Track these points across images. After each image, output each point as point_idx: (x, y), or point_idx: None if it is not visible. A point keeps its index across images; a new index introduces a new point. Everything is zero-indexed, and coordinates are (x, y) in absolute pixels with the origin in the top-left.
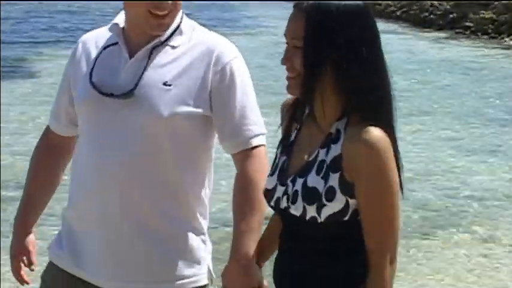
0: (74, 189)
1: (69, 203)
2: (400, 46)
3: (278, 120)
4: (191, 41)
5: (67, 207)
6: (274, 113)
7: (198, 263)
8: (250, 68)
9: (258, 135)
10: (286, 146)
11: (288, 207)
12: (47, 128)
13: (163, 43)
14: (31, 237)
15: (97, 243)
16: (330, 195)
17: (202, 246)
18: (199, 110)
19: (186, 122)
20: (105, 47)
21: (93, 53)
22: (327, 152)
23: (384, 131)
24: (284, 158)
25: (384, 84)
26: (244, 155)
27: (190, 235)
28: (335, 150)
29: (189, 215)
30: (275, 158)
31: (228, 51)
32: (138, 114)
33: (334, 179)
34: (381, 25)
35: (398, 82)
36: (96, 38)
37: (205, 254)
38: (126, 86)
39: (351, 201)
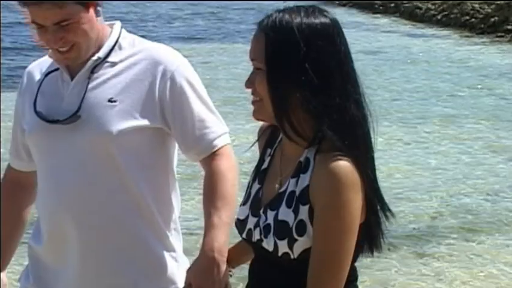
0: (38, 220)
1: (32, 233)
2: (440, 50)
3: None
4: (134, 56)
5: (31, 238)
6: None
7: (172, 282)
8: None
9: (219, 136)
10: (258, 173)
11: (260, 240)
12: (8, 166)
13: (103, 60)
14: (2, 278)
15: (61, 273)
16: (301, 229)
17: (173, 264)
18: (148, 123)
19: (136, 136)
20: (46, 74)
21: (37, 82)
22: (297, 183)
23: (354, 161)
24: (257, 186)
25: (354, 105)
26: (211, 157)
27: (160, 253)
28: (304, 180)
29: (155, 233)
30: (248, 186)
31: (173, 59)
32: (86, 136)
33: (304, 212)
34: (421, 29)
35: (438, 87)
36: (40, 67)
37: (178, 271)
38: (71, 110)
39: None
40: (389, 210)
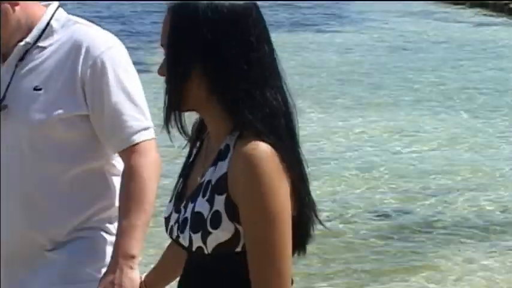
0: None
1: None
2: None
3: (386, 115)
4: (62, 39)
5: None
6: (384, 109)
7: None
8: (359, 65)
9: (138, 131)
10: (186, 168)
11: (178, 237)
12: None
13: (34, 45)
14: None
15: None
16: (216, 221)
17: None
18: (75, 111)
19: (63, 125)
20: None
21: None
22: (214, 171)
23: (275, 147)
24: (182, 181)
25: (273, 92)
26: (128, 153)
27: (99, 239)
28: (221, 168)
29: (87, 223)
30: (176, 182)
31: (98, 43)
32: (12, 126)
33: (219, 203)
34: (492, 18)
35: (509, 77)
36: None
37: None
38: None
39: (242, 229)
40: (315, 208)
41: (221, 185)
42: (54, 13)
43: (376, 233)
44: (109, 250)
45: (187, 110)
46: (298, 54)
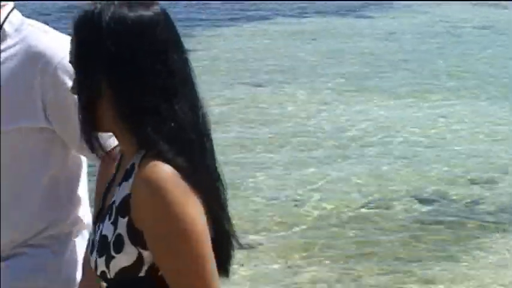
0: None
1: None
2: None
3: (431, 103)
4: (16, 45)
5: None
6: (428, 96)
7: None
8: (402, 52)
9: (112, 135)
10: (106, 186)
11: (89, 260)
12: None
13: None
14: None
15: None
16: (118, 245)
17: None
18: (29, 124)
19: (15, 137)
20: None
21: None
22: (118, 191)
23: (181, 167)
24: (101, 201)
25: (184, 106)
26: (105, 158)
27: (42, 258)
28: (124, 188)
29: (42, 235)
30: (97, 202)
31: (56, 49)
32: None
33: (122, 226)
34: None
35: None
36: None
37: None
38: None
39: (145, 254)
40: (232, 227)
41: (124, 207)
42: (8, 15)
43: (417, 219)
44: (50, 271)
45: (103, 131)
46: (343, 42)
